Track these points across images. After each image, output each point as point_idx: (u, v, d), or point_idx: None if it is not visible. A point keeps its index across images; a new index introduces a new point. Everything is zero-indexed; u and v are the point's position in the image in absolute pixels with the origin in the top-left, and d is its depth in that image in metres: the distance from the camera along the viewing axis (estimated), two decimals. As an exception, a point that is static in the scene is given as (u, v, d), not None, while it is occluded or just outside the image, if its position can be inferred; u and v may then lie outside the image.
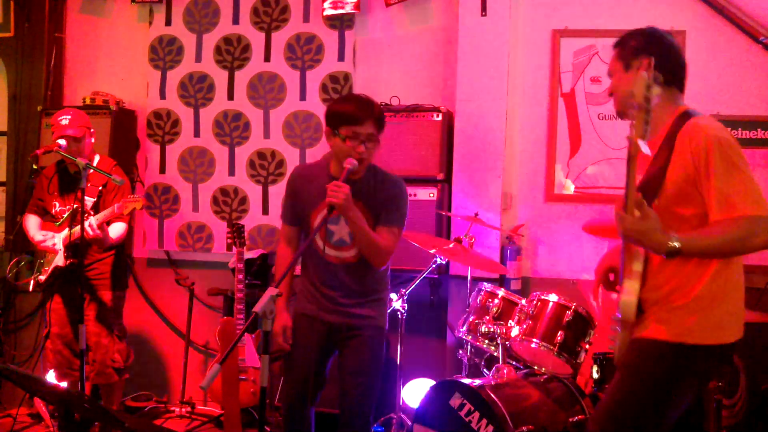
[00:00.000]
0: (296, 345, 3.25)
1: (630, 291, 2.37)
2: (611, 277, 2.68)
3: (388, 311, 3.99)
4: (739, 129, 4.34)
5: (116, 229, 4.19)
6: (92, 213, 4.08)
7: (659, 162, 2.33)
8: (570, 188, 4.58)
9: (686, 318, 2.31)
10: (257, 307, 2.44)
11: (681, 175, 2.28)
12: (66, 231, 4.13)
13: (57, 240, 4.15)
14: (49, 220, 4.28)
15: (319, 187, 3.12)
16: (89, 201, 4.10)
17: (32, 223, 4.29)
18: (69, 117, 4.16)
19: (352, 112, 3.02)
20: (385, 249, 3.10)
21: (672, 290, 2.34)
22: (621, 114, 2.53)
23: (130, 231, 4.58)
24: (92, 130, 4.29)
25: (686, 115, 2.36)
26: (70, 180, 4.26)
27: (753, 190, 2.22)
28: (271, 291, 2.51)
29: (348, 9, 4.84)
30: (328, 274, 3.19)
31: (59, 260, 4.13)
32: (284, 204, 3.34)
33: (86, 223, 3.86)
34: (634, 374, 2.39)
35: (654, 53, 2.40)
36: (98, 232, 3.99)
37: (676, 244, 2.18)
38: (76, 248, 4.01)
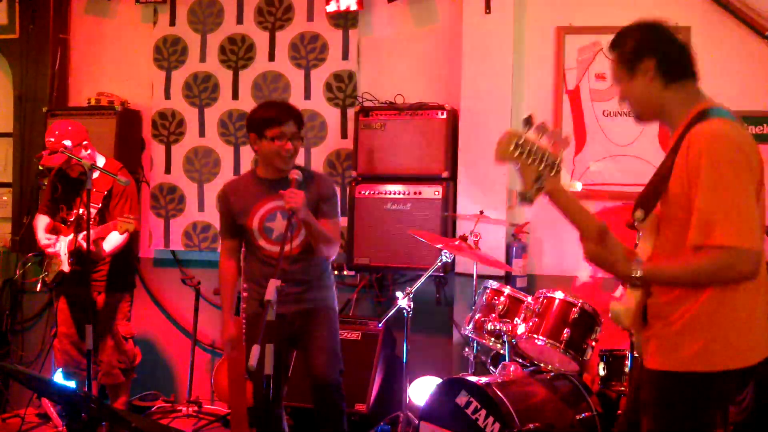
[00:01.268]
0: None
1: (629, 299, 2.20)
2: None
3: (393, 311, 4.00)
4: (745, 125, 4.32)
5: (111, 242, 4.15)
6: (97, 219, 4.09)
7: (666, 165, 2.19)
8: (575, 185, 4.56)
9: (690, 343, 2.11)
10: (269, 296, 2.69)
11: (679, 181, 2.12)
12: (71, 236, 4.13)
13: (61, 244, 4.15)
14: (58, 221, 4.29)
15: (251, 194, 3.41)
16: (93, 209, 4.09)
17: (41, 224, 4.30)
18: (53, 139, 4.09)
19: (275, 115, 3.33)
20: (335, 239, 3.43)
21: (670, 302, 2.15)
22: (638, 118, 2.34)
23: (135, 232, 4.57)
24: (85, 142, 4.18)
25: (701, 115, 2.17)
26: (72, 185, 4.24)
27: (738, 216, 2.00)
28: (274, 282, 2.75)
29: (351, 6, 4.82)
30: (273, 269, 3.28)
31: (64, 266, 4.13)
32: (222, 221, 3.58)
33: (81, 236, 3.86)
34: (659, 415, 2.19)
35: (655, 51, 2.21)
36: (92, 247, 3.99)
37: (639, 274, 2.10)
38: (80, 254, 4.01)
